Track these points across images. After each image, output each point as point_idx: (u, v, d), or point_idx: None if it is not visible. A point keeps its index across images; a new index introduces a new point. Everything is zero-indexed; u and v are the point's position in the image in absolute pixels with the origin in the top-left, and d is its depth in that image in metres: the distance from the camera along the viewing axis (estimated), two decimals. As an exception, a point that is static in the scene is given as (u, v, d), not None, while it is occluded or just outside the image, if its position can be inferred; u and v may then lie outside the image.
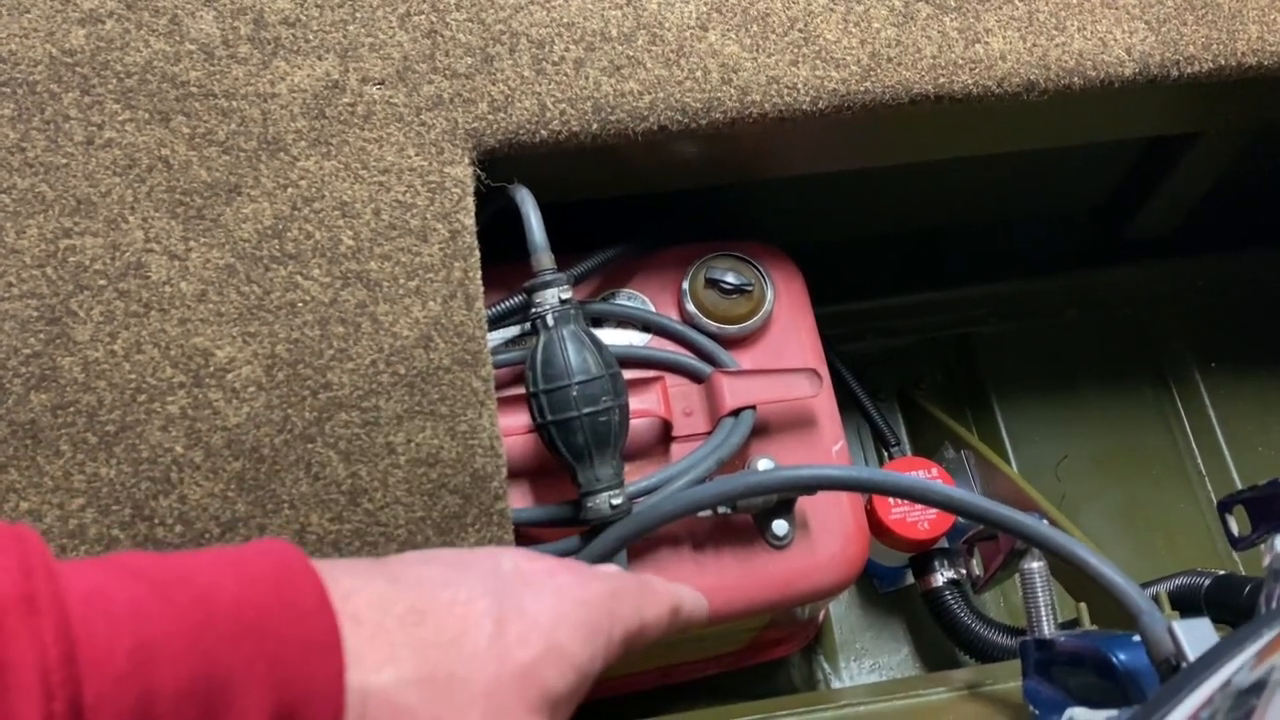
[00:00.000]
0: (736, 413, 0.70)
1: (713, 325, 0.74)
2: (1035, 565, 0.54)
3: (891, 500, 0.84)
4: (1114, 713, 0.39)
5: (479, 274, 0.62)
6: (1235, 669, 0.29)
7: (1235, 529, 0.60)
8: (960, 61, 0.69)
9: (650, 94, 0.66)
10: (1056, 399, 1.03)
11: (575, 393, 0.62)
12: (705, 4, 0.69)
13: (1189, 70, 0.71)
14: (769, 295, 0.75)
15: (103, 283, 0.58)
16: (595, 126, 0.65)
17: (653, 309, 0.75)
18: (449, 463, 0.56)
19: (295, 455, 0.55)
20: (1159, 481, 1.01)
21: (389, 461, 0.56)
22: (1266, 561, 0.40)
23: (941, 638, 0.91)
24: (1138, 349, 1.06)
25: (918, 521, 0.84)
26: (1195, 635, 0.38)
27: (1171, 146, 0.94)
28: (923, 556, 0.90)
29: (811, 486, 0.57)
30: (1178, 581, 0.70)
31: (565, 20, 0.68)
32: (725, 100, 0.66)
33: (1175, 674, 0.37)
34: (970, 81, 0.69)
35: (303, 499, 0.55)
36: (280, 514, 0.54)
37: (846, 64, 0.68)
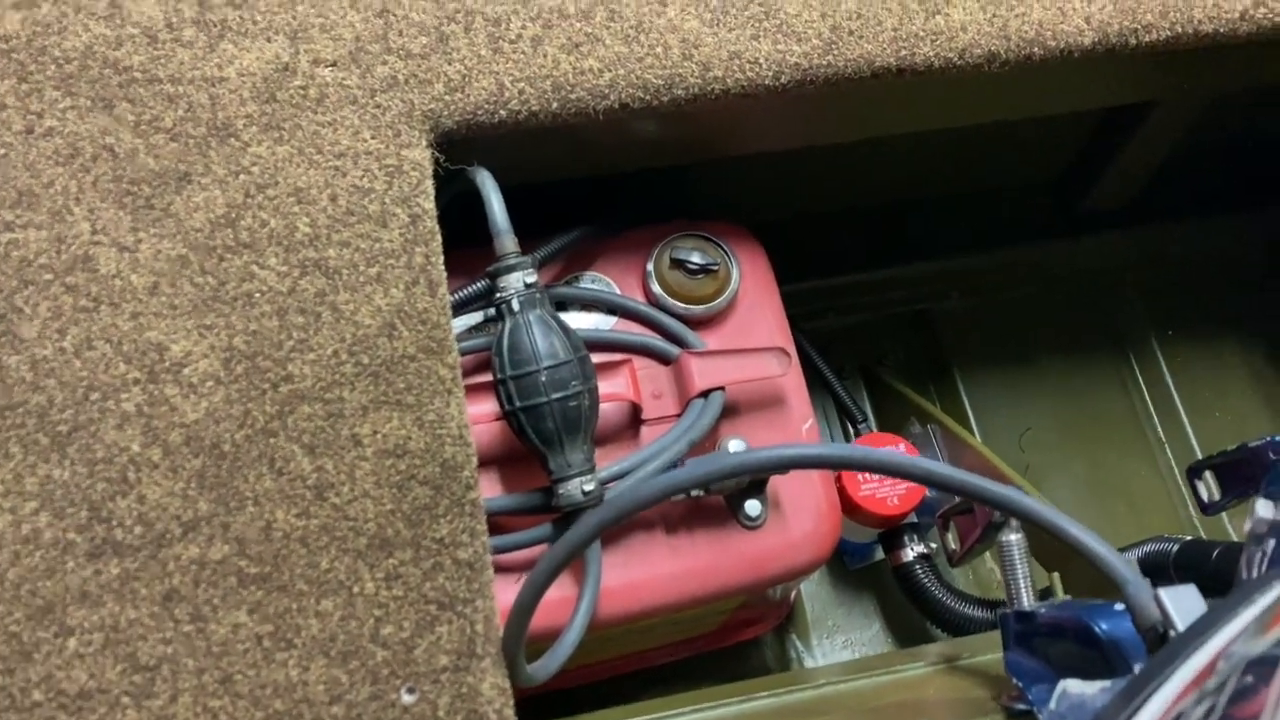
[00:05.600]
0: (706, 394, 0.69)
1: (679, 306, 0.73)
2: (1013, 538, 0.54)
3: (861, 476, 0.84)
4: (1107, 683, 0.39)
5: (441, 259, 0.60)
6: (1231, 636, 0.29)
7: (1205, 494, 0.61)
8: (921, 33, 0.68)
9: (610, 71, 0.65)
10: (1018, 371, 1.04)
11: (544, 378, 0.61)
12: (664, -21, 0.67)
13: (1147, 39, 0.71)
14: (734, 274, 0.74)
15: (49, 277, 0.56)
16: (555, 105, 0.64)
17: (618, 291, 0.74)
18: (417, 453, 0.55)
19: (258, 450, 0.54)
20: (1120, 450, 1.02)
21: (355, 454, 0.54)
22: (1247, 526, 0.41)
23: (913, 612, 0.91)
24: (1096, 319, 1.07)
25: (887, 497, 0.84)
26: (1183, 603, 0.37)
27: (1126, 118, 0.94)
28: (892, 531, 0.90)
29: (790, 465, 0.56)
30: (1146, 548, 0.71)
31: (521, -3, 0.66)
32: (687, 76, 0.65)
33: (1163, 642, 0.37)
34: (932, 53, 0.68)
35: (267, 495, 0.53)
36: (244, 511, 0.52)
37: (808, 38, 0.67)
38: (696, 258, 0.73)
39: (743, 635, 0.90)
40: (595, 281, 0.75)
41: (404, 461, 0.55)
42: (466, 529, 0.54)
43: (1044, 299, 1.06)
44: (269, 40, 0.63)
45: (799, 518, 0.70)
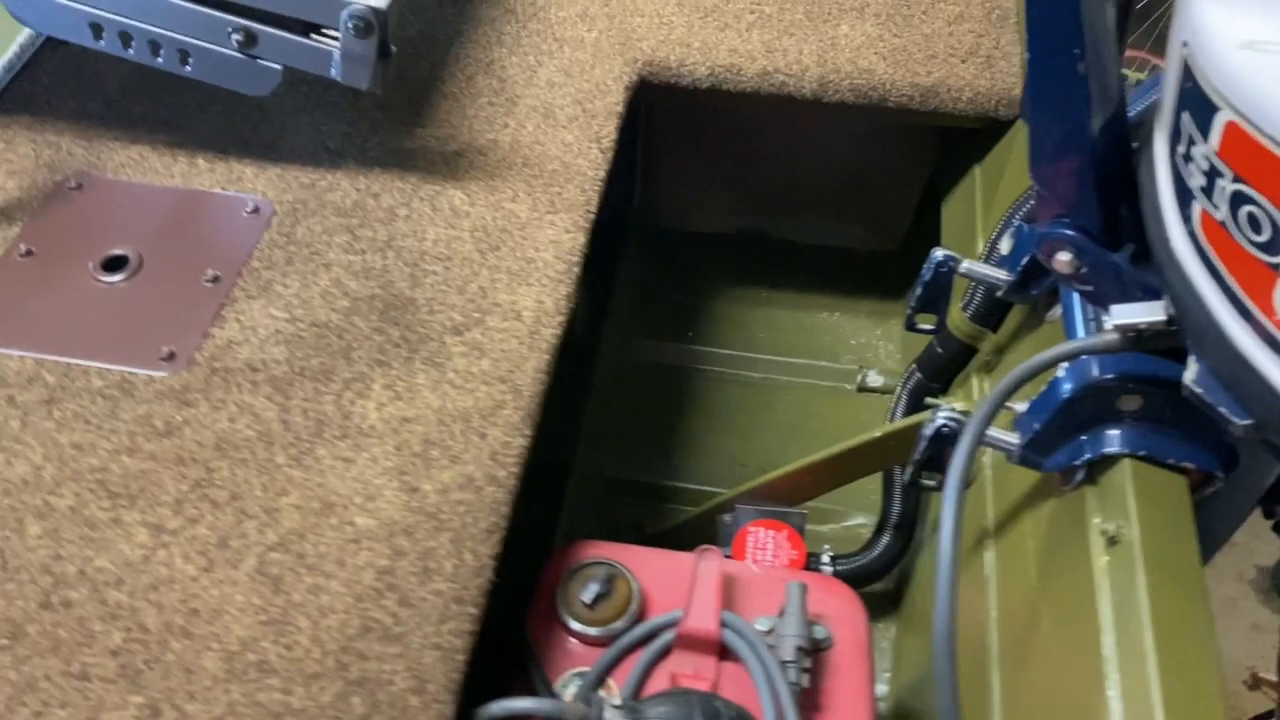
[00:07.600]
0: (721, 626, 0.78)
1: (622, 622, 0.79)
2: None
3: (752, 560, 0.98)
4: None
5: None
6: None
7: (927, 326, 0.87)
8: None
9: None
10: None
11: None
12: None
13: None
14: (619, 565, 0.82)
15: None
16: None
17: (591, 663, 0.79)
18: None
19: None
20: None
21: None
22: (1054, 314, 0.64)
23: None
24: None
25: (787, 557, 1.00)
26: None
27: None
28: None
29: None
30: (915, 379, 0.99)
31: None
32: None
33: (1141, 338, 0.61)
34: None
35: None
36: None
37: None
38: (593, 589, 0.80)
39: None
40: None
41: None
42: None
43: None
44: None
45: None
